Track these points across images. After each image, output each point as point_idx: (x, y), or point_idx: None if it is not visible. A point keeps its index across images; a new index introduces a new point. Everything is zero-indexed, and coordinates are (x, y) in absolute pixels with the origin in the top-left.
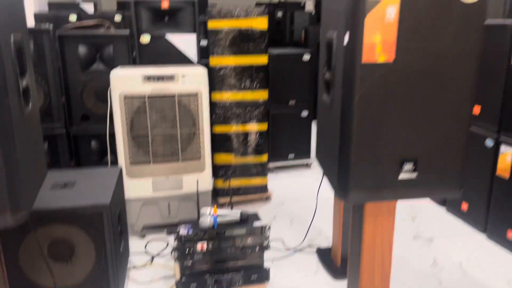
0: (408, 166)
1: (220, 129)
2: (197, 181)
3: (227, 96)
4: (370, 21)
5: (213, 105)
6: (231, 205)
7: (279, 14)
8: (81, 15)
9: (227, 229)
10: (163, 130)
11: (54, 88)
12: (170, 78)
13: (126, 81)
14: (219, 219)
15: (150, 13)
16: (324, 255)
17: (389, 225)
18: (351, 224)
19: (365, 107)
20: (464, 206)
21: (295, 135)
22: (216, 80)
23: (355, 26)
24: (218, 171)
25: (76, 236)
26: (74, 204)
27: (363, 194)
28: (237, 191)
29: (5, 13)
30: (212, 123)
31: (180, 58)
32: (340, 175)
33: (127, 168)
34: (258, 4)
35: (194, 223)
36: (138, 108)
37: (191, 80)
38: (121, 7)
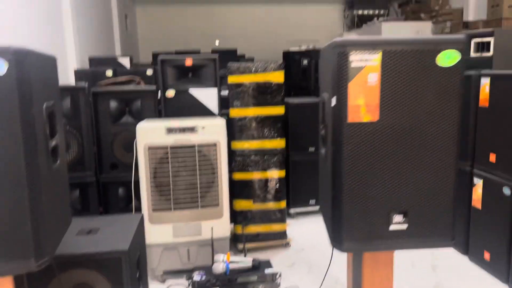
0: (398, 217)
1: (239, 176)
2: (212, 228)
3: (246, 145)
4: (354, 86)
5: (233, 153)
6: (244, 251)
7: (305, 62)
8: (117, 70)
9: (239, 275)
10: (184, 178)
11: (87, 139)
12: (191, 129)
13: (151, 133)
14: (231, 266)
15: (175, 69)
16: None
17: (388, 276)
18: (351, 273)
19: (353, 162)
20: (487, 255)
21: (315, 181)
22: (236, 129)
23: (340, 90)
24: (237, 217)
25: (96, 280)
26: (95, 250)
27: (356, 244)
28: (256, 237)
29: (40, 85)
30: (232, 171)
31: (202, 110)
32: (334, 225)
33: (150, 214)
34: (285, 53)
35: (208, 269)
36: (161, 158)
37: (210, 131)
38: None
